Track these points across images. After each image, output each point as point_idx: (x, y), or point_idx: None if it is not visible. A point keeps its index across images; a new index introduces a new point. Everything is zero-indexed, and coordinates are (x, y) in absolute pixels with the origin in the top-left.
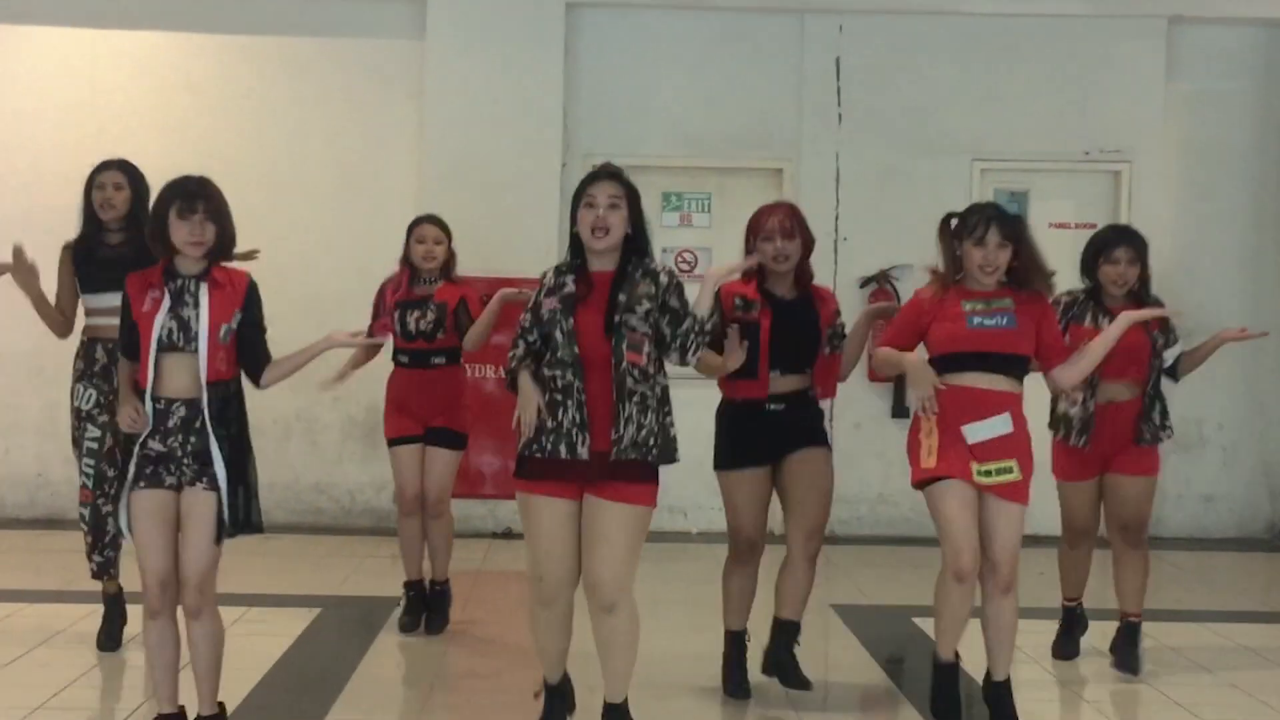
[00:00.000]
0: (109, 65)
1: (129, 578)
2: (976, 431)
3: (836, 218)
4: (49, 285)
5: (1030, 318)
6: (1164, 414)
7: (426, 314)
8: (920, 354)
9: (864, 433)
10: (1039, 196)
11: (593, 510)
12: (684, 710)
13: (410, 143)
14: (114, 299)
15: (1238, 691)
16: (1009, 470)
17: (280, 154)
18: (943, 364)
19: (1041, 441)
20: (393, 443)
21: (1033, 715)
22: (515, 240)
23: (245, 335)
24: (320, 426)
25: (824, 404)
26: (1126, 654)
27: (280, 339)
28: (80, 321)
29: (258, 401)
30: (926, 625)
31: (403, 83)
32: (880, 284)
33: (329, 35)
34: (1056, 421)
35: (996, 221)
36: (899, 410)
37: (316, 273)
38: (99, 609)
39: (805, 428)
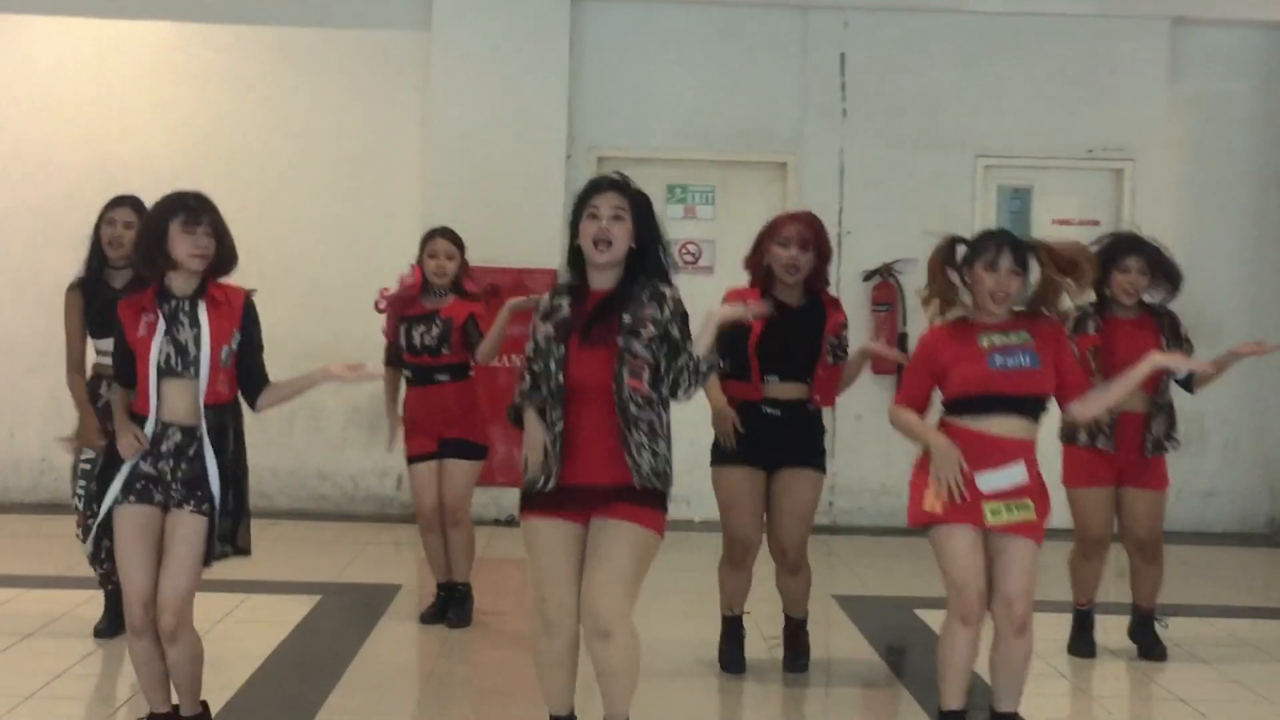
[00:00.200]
0: (114, 56)
1: None
2: (992, 481)
3: (840, 211)
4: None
5: (1048, 353)
6: (1171, 425)
7: (432, 329)
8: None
9: (866, 424)
10: (1042, 193)
11: (597, 530)
12: (681, 693)
13: (415, 134)
14: None
15: (1240, 687)
16: (1025, 508)
17: (285, 145)
18: (962, 406)
19: (1053, 452)
20: (410, 461)
21: (1033, 709)
22: (519, 231)
23: (243, 355)
24: (324, 413)
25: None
26: (1152, 643)
27: (285, 329)
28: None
29: None
30: (927, 616)
31: (408, 74)
32: (883, 277)
33: (335, 26)
34: (1070, 430)
35: (1010, 247)
36: None
37: (321, 263)
38: (99, 595)
39: (801, 444)
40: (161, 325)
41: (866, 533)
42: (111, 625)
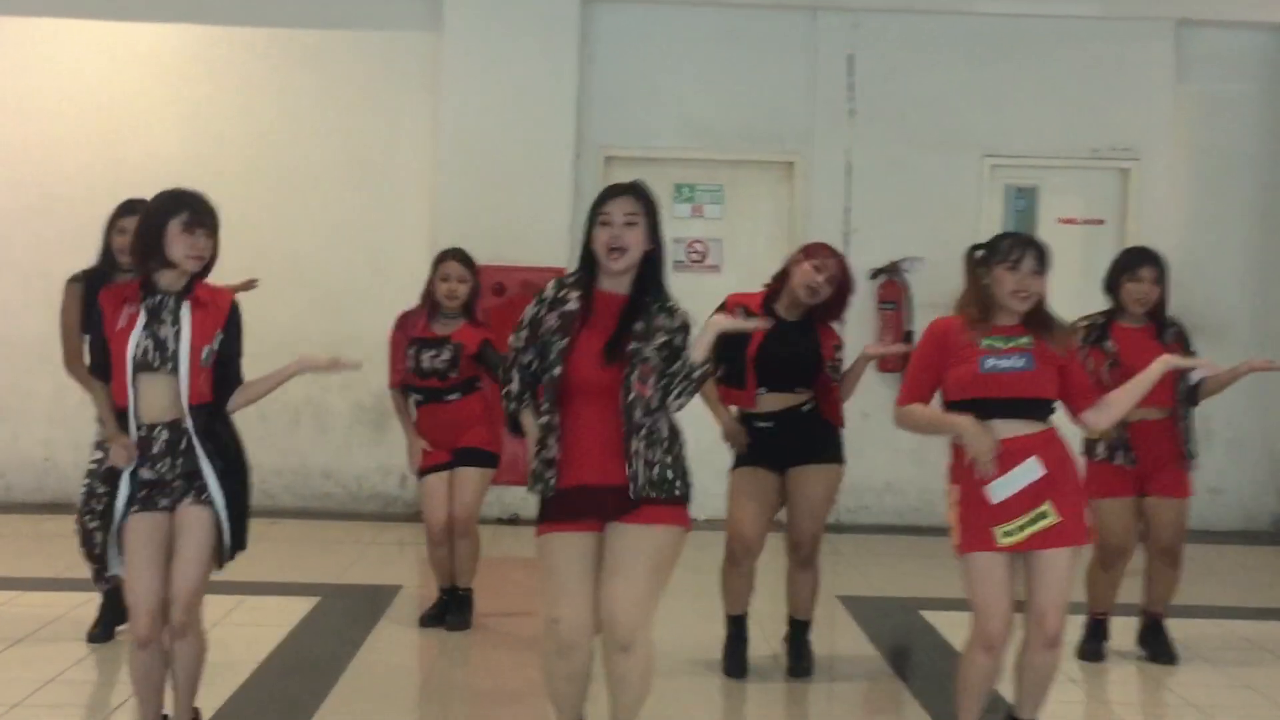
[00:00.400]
0: (126, 58)
1: None
2: (999, 490)
3: (847, 210)
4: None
5: (1050, 359)
6: (1191, 437)
7: (442, 353)
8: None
9: (872, 422)
10: (1048, 192)
11: (614, 536)
12: (682, 693)
13: (425, 134)
14: None
15: (1252, 691)
16: (1042, 516)
17: (295, 146)
18: (960, 411)
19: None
20: (421, 474)
21: (1046, 714)
22: (528, 231)
23: (220, 357)
24: (329, 412)
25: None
26: (1163, 647)
27: (294, 329)
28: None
29: None
30: (932, 617)
31: (418, 75)
32: (890, 275)
33: (345, 27)
34: (1090, 444)
35: (1034, 249)
36: None
37: (330, 264)
38: (97, 597)
39: (805, 445)
40: (142, 319)
41: (871, 531)
42: (107, 630)
